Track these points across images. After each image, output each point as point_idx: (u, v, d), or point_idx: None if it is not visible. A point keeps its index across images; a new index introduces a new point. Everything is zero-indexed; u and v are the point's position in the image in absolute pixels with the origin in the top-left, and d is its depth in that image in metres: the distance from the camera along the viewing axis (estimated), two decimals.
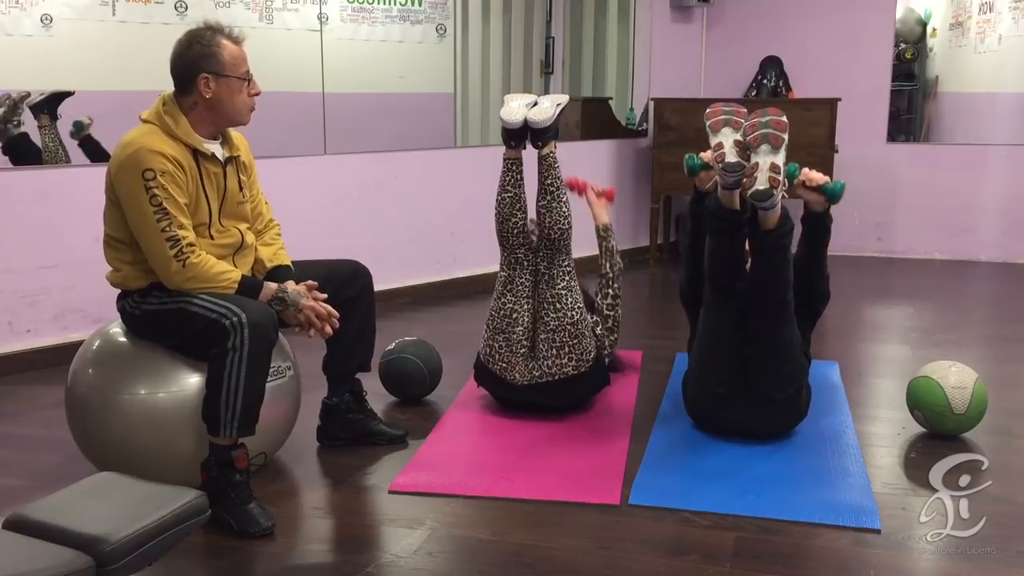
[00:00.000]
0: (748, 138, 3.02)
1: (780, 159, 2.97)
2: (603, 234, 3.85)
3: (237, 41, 2.79)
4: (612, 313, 3.73)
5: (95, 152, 4.46)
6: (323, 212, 4.92)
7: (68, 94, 4.42)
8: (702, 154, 3.31)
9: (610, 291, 3.75)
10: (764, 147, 2.97)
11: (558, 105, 3.45)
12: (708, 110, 3.19)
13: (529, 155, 3.47)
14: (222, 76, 2.73)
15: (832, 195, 3.27)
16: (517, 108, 3.43)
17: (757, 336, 3.16)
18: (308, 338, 2.87)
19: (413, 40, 5.99)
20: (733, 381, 3.18)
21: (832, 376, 3.97)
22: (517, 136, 3.43)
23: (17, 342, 4.12)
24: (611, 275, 3.77)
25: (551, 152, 3.42)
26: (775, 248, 3.10)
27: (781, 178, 2.95)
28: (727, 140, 3.05)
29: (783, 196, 3.03)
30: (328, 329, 2.86)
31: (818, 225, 3.36)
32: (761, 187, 2.91)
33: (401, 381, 3.67)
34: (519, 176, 3.46)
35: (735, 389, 3.18)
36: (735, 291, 3.20)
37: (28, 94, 4.37)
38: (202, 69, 2.71)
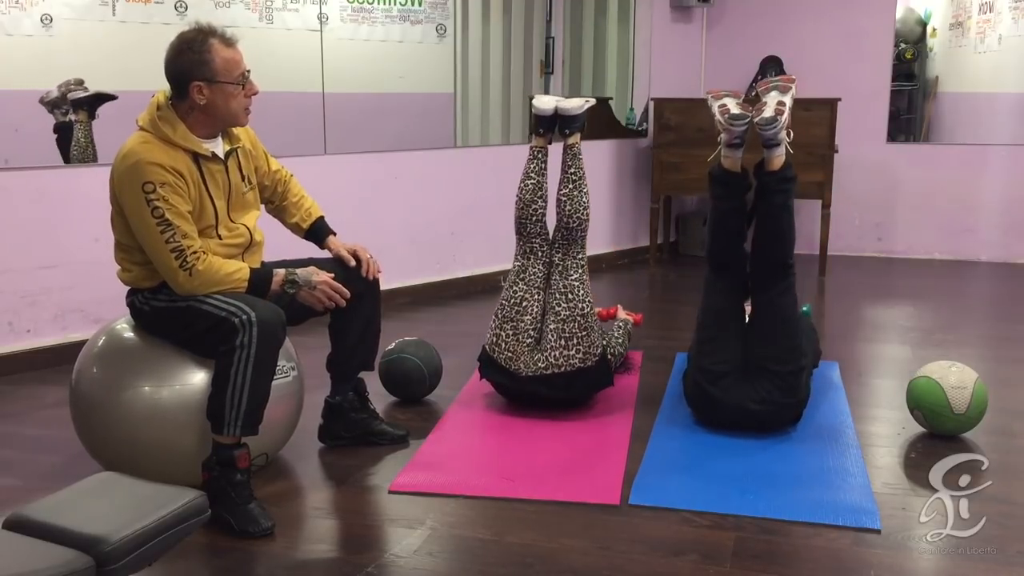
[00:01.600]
0: (759, 89, 3.45)
1: (787, 99, 3.28)
2: (621, 324, 4.11)
3: (230, 43, 2.74)
4: (622, 341, 3.95)
5: None
6: (323, 212, 4.91)
7: (112, 97, 4.46)
8: None
9: (623, 341, 3.97)
10: (774, 92, 3.34)
11: (587, 102, 3.66)
12: (708, 90, 3.55)
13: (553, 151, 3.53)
14: (215, 83, 2.70)
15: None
16: (549, 99, 3.65)
17: (759, 305, 3.30)
18: (327, 311, 2.94)
19: (413, 40, 5.99)
20: (733, 359, 3.25)
21: (832, 376, 3.97)
22: (547, 124, 3.60)
23: (17, 342, 4.12)
24: (623, 335, 4.01)
25: (577, 143, 3.58)
26: (777, 192, 3.28)
27: (786, 112, 3.23)
28: (730, 101, 3.37)
29: (787, 135, 3.28)
30: (341, 300, 2.92)
31: None
32: (767, 115, 3.21)
33: (401, 381, 3.67)
34: (543, 164, 3.58)
35: (735, 367, 3.24)
36: (736, 270, 3.36)
37: (82, 81, 4.45)
38: (194, 77, 2.68)
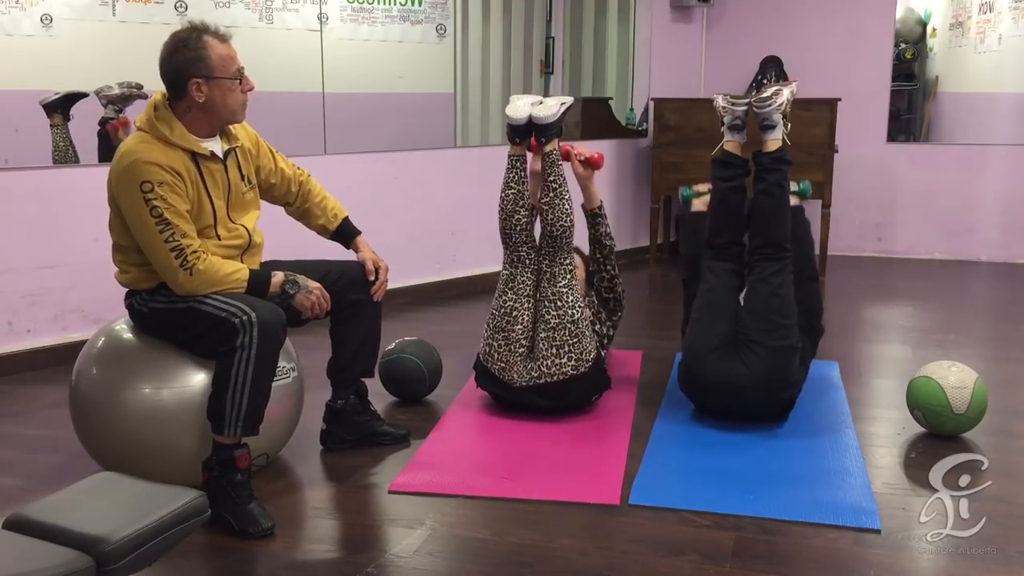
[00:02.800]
0: (764, 87, 3.67)
1: (785, 89, 3.54)
2: (598, 215, 3.72)
3: (224, 39, 2.74)
4: (612, 296, 3.72)
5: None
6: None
7: (83, 95, 4.45)
8: (696, 186, 4.16)
9: (605, 275, 3.72)
10: (775, 86, 3.60)
11: (563, 104, 3.50)
12: (716, 92, 3.70)
13: None
14: (213, 79, 2.69)
15: (802, 194, 4.03)
16: (523, 106, 3.49)
17: (752, 284, 3.38)
18: (309, 319, 2.93)
19: (413, 40, 5.99)
20: (724, 334, 3.30)
21: (832, 376, 3.97)
22: (522, 133, 3.48)
23: (17, 342, 4.12)
24: (603, 256, 3.72)
25: (554, 150, 3.46)
26: (771, 170, 3.45)
27: (784, 98, 3.48)
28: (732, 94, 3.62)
29: (784, 124, 3.50)
30: (324, 310, 2.92)
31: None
32: (764, 94, 3.48)
33: (401, 381, 3.67)
34: (523, 173, 3.49)
35: (726, 342, 3.28)
36: (733, 255, 3.45)
37: (141, 86, 4.50)
38: (192, 74, 2.67)
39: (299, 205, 3.14)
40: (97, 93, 4.49)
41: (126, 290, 2.86)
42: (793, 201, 3.79)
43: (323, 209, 3.16)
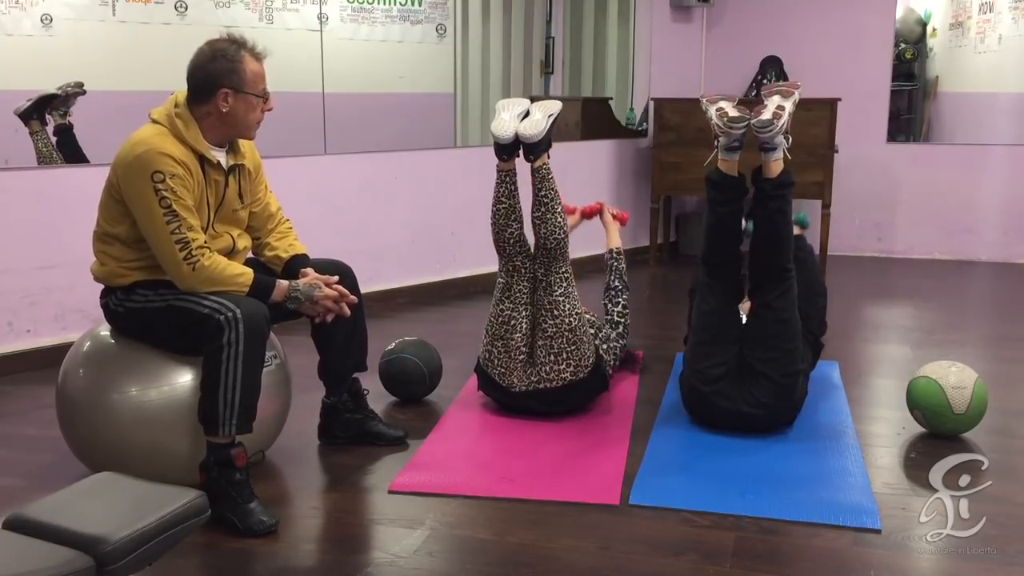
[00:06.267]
0: (763, 93, 3.42)
1: (787, 103, 3.27)
2: (615, 256, 4.06)
3: (259, 58, 2.80)
4: (623, 320, 3.92)
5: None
6: (323, 212, 4.92)
7: (54, 96, 4.42)
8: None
9: (621, 300, 3.95)
10: (775, 97, 3.32)
11: (550, 116, 3.39)
12: (702, 94, 3.48)
13: (523, 163, 3.48)
14: (241, 93, 2.73)
15: (802, 224, 4.03)
16: (508, 121, 3.38)
17: (756, 308, 3.29)
18: (328, 322, 2.91)
19: (413, 40, 5.99)
20: (729, 361, 3.24)
21: (832, 376, 3.97)
22: (509, 150, 3.40)
23: (17, 342, 4.12)
24: (620, 287, 3.97)
25: (544, 164, 3.39)
26: (774, 197, 3.27)
27: (785, 116, 3.21)
28: (727, 104, 3.31)
29: (785, 139, 3.27)
30: (346, 308, 2.90)
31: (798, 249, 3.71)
32: (765, 117, 3.20)
33: (401, 381, 3.67)
34: (513, 187, 3.44)
35: (731, 369, 3.24)
36: (731, 272, 3.35)
37: (81, 84, 4.44)
38: (223, 84, 2.71)
39: (263, 239, 3.04)
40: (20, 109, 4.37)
41: (101, 289, 2.84)
42: (795, 231, 3.70)
43: (281, 238, 3.04)
